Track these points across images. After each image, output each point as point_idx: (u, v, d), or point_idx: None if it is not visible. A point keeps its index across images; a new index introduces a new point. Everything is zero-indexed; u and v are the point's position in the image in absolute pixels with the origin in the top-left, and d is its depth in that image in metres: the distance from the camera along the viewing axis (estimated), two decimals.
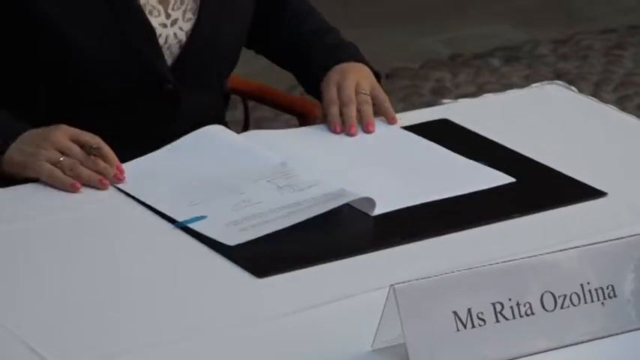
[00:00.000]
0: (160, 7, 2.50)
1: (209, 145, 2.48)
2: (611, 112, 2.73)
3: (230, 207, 2.24)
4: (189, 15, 2.53)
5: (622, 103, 2.84)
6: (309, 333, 1.93)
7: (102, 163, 2.28)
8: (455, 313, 1.77)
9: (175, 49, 2.53)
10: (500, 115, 2.64)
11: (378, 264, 2.09)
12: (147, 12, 2.48)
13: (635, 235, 1.85)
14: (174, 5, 2.50)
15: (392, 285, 1.68)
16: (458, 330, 1.76)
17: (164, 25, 2.50)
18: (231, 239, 2.13)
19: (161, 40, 2.50)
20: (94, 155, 2.28)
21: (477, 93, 3.01)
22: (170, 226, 2.21)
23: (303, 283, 2.07)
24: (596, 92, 3.19)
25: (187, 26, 2.53)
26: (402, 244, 2.14)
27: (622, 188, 2.32)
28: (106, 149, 2.29)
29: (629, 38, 5.54)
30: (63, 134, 2.29)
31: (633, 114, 2.77)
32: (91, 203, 2.32)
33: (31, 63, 2.51)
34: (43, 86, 2.52)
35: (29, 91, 2.54)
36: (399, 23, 5.55)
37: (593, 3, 5.85)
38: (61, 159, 2.25)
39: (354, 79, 2.54)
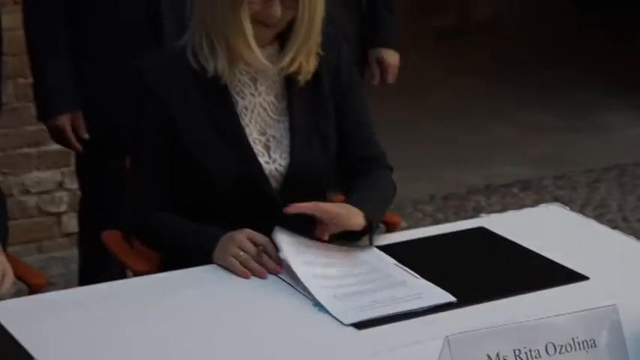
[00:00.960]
0: (264, 151, 2.49)
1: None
2: (592, 224, 2.74)
3: (356, 301, 2.19)
4: (284, 155, 2.49)
5: (599, 219, 2.86)
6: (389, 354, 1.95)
7: (266, 258, 2.27)
8: (488, 355, 1.77)
9: (279, 178, 2.49)
10: (519, 225, 2.63)
11: (437, 322, 2.08)
12: (257, 155, 2.47)
13: (608, 305, 1.84)
14: (274, 150, 2.49)
15: (446, 336, 1.68)
16: None
17: (267, 163, 2.47)
18: (348, 319, 2.11)
19: (267, 173, 2.46)
20: (263, 251, 2.28)
21: (502, 210, 2.99)
22: (311, 303, 2.19)
23: (389, 334, 2.05)
24: (582, 211, 3.21)
25: (284, 162, 2.50)
26: (452, 310, 2.13)
27: (600, 275, 2.30)
28: (271, 248, 2.31)
29: (603, 175, 5.52)
30: (243, 236, 2.28)
31: (607, 225, 2.76)
32: (256, 287, 2.26)
33: (186, 188, 2.51)
34: (193, 206, 2.52)
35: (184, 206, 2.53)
36: (452, 164, 5.56)
37: (578, 152, 5.83)
38: (241, 254, 2.24)
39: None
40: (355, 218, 2.40)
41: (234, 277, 2.29)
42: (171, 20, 3.03)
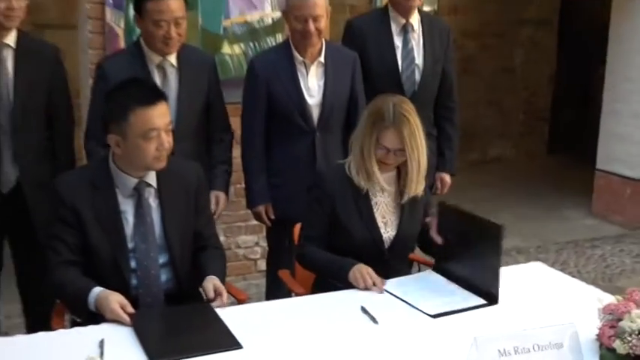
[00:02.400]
0: (383, 226, 2.46)
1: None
2: (559, 274, 2.66)
3: (432, 302, 2.21)
4: (394, 229, 2.48)
5: (563, 271, 2.78)
6: (448, 343, 1.92)
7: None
8: (498, 350, 1.76)
9: (388, 242, 2.46)
10: (516, 274, 2.53)
11: (470, 322, 2.01)
12: (380, 228, 2.45)
13: (570, 322, 1.81)
14: (389, 225, 2.47)
15: (475, 337, 1.70)
16: (500, 356, 1.72)
17: (384, 233, 2.46)
18: (432, 312, 2.14)
19: (383, 238, 2.47)
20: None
21: (505, 265, 2.92)
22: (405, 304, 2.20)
23: (449, 322, 2.05)
24: (553, 266, 3.11)
25: (393, 233, 2.47)
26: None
27: (563, 301, 2.28)
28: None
29: (565, 246, 5.35)
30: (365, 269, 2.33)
31: (568, 275, 2.66)
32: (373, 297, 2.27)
33: (333, 241, 2.51)
34: (335, 251, 2.49)
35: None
36: None
37: (550, 232, 5.65)
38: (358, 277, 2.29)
39: None
40: None
41: (358, 296, 2.27)
42: (321, 154, 3.04)
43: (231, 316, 2.07)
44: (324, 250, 2.48)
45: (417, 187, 2.47)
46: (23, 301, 2.80)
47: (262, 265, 4.16)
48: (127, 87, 2.17)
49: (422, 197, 2.55)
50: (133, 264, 2.17)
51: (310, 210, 2.53)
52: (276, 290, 3.10)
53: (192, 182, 2.33)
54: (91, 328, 1.97)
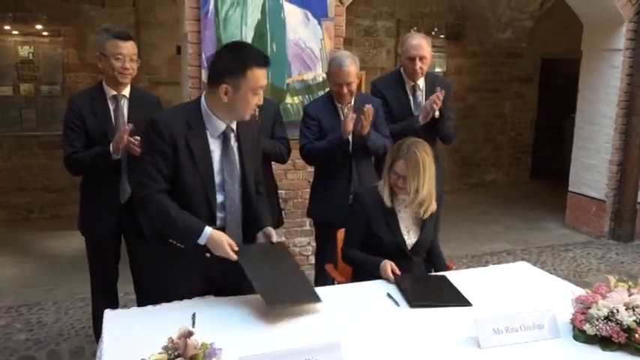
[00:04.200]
0: (407, 233, 2.36)
1: None
2: (540, 271, 2.52)
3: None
4: (415, 235, 2.39)
5: (543, 269, 2.68)
6: (453, 322, 1.78)
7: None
8: (493, 328, 1.72)
9: (410, 245, 2.38)
10: (505, 271, 2.46)
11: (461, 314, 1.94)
12: (403, 235, 2.37)
13: (549, 308, 1.74)
14: (412, 233, 2.37)
15: (475, 319, 1.62)
16: (495, 334, 1.66)
17: (407, 239, 2.37)
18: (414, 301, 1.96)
19: (406, 242, 2.37)
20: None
21: (498, 263, 2.80)
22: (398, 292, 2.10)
23: (454, 308, 1.91)
24: (534, 265, 3.00)
25: (415, 239, 2.38)
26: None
27: (542, 293, 2.15)
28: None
29: (544, 250, 5.17)
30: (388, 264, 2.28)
31: (548, 272, 2.54)
32: (384, 285, 2.19)
33: (365, 243, 2.43)
34: (366, 251, 2.42)
35: None
36: (475, 242, 5.30)
37: (532, 239, 5.44)
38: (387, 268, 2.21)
39: None
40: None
41: (384, 285, 2.21)
42: (355, 174, 3.01)
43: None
44: (359, 251, 2.44)
45: (420, 210, 2.37)
46: (134, 281, 2.83)
47: (312, 259, 4.15)
48: (244, 48, 1.92)
49: (435, 215, 2.48)
50: (219, 198, 1.98)
51: (350, 222, 2.50)
52: (322, 279, 3.06)
53: (254, 127, 2.14)
54: (186, 303, 1.94)
